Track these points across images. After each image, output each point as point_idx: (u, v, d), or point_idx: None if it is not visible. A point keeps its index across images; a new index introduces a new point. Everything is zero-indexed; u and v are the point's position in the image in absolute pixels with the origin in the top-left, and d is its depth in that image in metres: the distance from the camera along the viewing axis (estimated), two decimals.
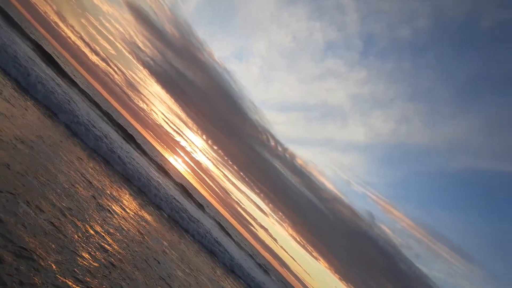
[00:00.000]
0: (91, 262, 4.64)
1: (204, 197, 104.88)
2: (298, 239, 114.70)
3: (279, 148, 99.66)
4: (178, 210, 15.83)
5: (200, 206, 29.42)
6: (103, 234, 5.98)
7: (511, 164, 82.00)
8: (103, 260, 4.99)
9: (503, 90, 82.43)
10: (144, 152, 24.95)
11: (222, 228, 31.79)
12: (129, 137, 24.67)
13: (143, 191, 14.39)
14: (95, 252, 4.97)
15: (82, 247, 4.72)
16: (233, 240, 31.78)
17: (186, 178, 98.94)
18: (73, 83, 23.92)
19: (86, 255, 4.67)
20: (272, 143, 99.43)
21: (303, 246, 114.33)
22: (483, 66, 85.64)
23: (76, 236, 4.91)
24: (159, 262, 7.29)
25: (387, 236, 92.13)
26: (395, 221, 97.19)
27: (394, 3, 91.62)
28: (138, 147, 25.22)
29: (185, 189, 28.09)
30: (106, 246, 5.53)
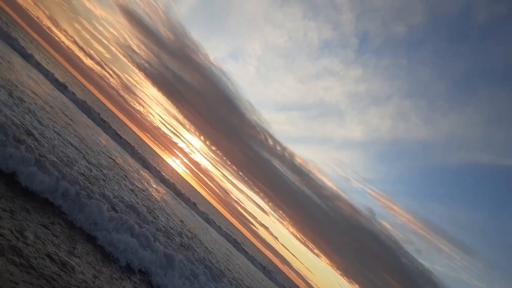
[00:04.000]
0: None
1: (203, 196, 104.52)
2: (299, 237, 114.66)
3: (278, 148, 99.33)
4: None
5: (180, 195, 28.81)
6: None
7: (509, 158, 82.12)
8: None
9: (500, 83, 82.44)
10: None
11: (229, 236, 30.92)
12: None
13: None
14: None
15: None
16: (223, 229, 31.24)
17: (185, 179, 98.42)
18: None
19: None
20: (271, 143, 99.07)
21: (304, 244, 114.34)
22: (479, 60, 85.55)
23: None
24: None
25: (388, 231, 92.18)
26: (395, 216, 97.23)
27: (388, 1, 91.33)
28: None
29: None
30: None
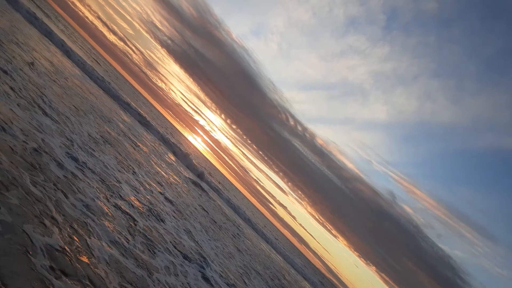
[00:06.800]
0: None
1: (224, 175, 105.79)
2: (317, 217, 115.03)
3: (299, 128, 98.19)
4: None
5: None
6: None
7: None
8: None
9: None
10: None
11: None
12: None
13: None
14: None
15: None
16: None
17: (205, 157, 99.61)
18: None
19: None
20: (292, 122, 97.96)
21: (322, 224, 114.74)
22: (511, 40, 79.63)
23: None
24: None
25: (409, 215, 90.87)
26: (416, 200, 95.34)
27: None
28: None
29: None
30: None
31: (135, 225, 4.56)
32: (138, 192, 6.05)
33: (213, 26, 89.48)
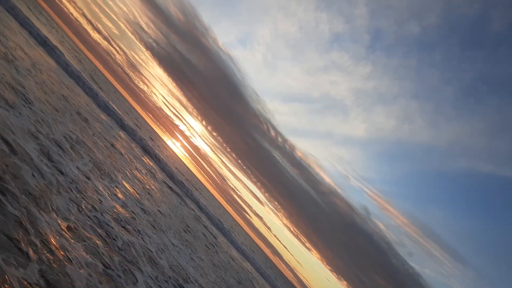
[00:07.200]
0: None
1: (200, 181, 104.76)
2: (292, 229, 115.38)
3: (279, 139, 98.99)
4: None
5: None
6: None
7: (511, 169, 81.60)
8: None
9: (508, 93, 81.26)
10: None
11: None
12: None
13: None
14: None
15: None
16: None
17: (183, 162, 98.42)
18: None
19: None
20: (273, 133, 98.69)
21: (297, 236, 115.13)
22: (490, 68, 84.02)
23: None
24: None
25: (382, 232, 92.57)
26: (390, 218, 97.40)
27: None
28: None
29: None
30: None
31: (110, 237, 4.60)
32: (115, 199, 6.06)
33: (200, 32, 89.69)
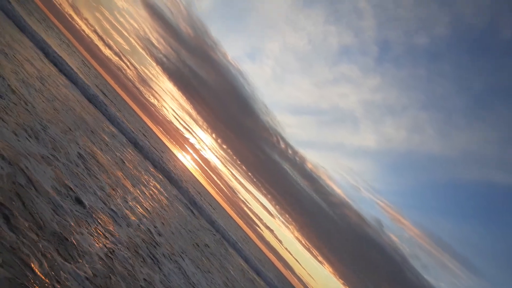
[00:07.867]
0: None
1: (211, 194, 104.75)
2: (303, 242, 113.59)
3: (289, 151, 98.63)
4: None
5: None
6: None
7: None
8: None
9: None
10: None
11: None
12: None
13: None
14: None
15: None
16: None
17: (193, 175, 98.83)
18: None
19: None
20: (283, 146, 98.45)
21: (308, 250, 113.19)
22: (500, 77, 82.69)
23: None
24: None
25: (395, 244, 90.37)
26: (402, 229, 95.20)
27: (412, 10, 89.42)
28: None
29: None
30: None
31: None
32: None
33: (210, 46, 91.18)
